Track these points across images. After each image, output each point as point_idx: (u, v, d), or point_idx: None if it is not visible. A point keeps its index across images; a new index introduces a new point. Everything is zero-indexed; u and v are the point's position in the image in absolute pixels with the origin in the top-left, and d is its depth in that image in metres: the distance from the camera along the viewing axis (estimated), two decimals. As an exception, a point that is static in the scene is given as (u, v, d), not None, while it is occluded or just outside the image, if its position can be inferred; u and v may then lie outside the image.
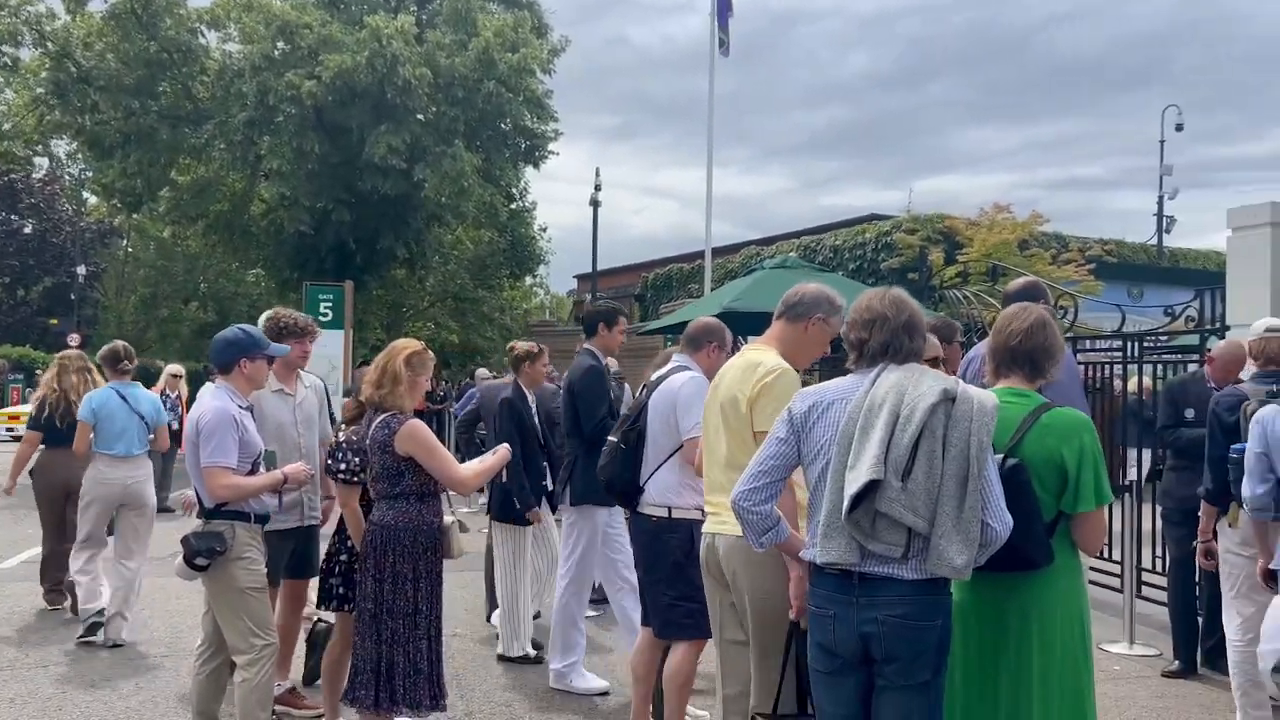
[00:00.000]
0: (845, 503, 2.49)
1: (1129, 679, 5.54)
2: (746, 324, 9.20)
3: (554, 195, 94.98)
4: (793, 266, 10.73)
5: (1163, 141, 23.61)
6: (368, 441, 3.85)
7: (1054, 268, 16.02)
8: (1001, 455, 2.70)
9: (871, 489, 2.47)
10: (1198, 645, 5.63)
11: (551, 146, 23.74)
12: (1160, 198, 23.08)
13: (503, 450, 4.12)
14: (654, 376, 4.26)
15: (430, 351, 4.05)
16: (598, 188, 25.52)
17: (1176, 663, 5.58)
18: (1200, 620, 5.63)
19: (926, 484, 2.46)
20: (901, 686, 2.55)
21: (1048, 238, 18.20)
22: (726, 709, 3.32)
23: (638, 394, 4.42)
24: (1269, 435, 4.10)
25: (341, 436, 4.09)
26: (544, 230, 31.26)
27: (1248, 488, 4.16)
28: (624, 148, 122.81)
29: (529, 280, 37.80)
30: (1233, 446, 4.55)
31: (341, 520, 4.22)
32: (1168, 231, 22.72)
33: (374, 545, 3.78)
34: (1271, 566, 4.15)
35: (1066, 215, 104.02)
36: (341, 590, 4.20)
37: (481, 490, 5.00)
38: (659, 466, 4.01)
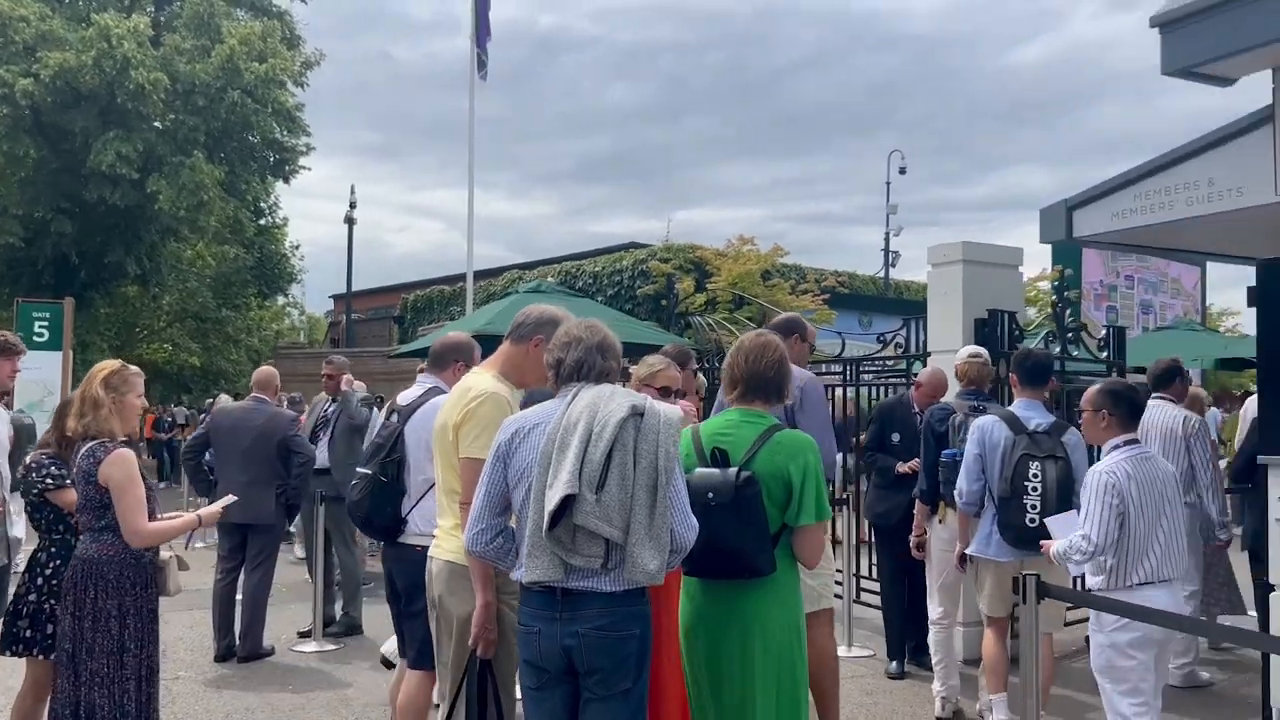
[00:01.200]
0: (545, 520, 2.58)
1: (846, 679, 5.96)
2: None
3: (310, 212, 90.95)
4: (547, 291, 10.86)
5: (888, 183, 25.81)
6: (75, 471, 3.62)
7: (793, 297, 17.13)
8: (736, 469, 2.92)
9: (568, 504, 2.57)
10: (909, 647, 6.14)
11: (304, 161, 22.90)
12: (887, 234, 25.18)
13: (189, 517, 3.77)
14: (404, 402, 4.16)
15: (132, 368, 3.79)
16: (352, 205, 24.76)
17: (894, 663, 6.06)
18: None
19: (620, 495, 2.59)
20: (604, 696, 2.67)
21: (788, 269, 19.42)
22: None
23: (386, 420, 4.28)
24: (986, 440, 4.69)
25: (29, 458, 3.86)
26: (296, 248, 29.88)
27: (963, 483, 4.75)
28: (387, 166, 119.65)
29: (281, 300, 36.01)
30: (943, 452, 5.14)
31: (32, 557, 3.89)
32: (893, 265, 24.78)
33: (74, 581, 3.54)
34: (966, 552, 4.83)
35: (810, 248, 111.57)
36: (28, 633, 3.85)
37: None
38: (424, 495, 3.84)
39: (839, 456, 6.16)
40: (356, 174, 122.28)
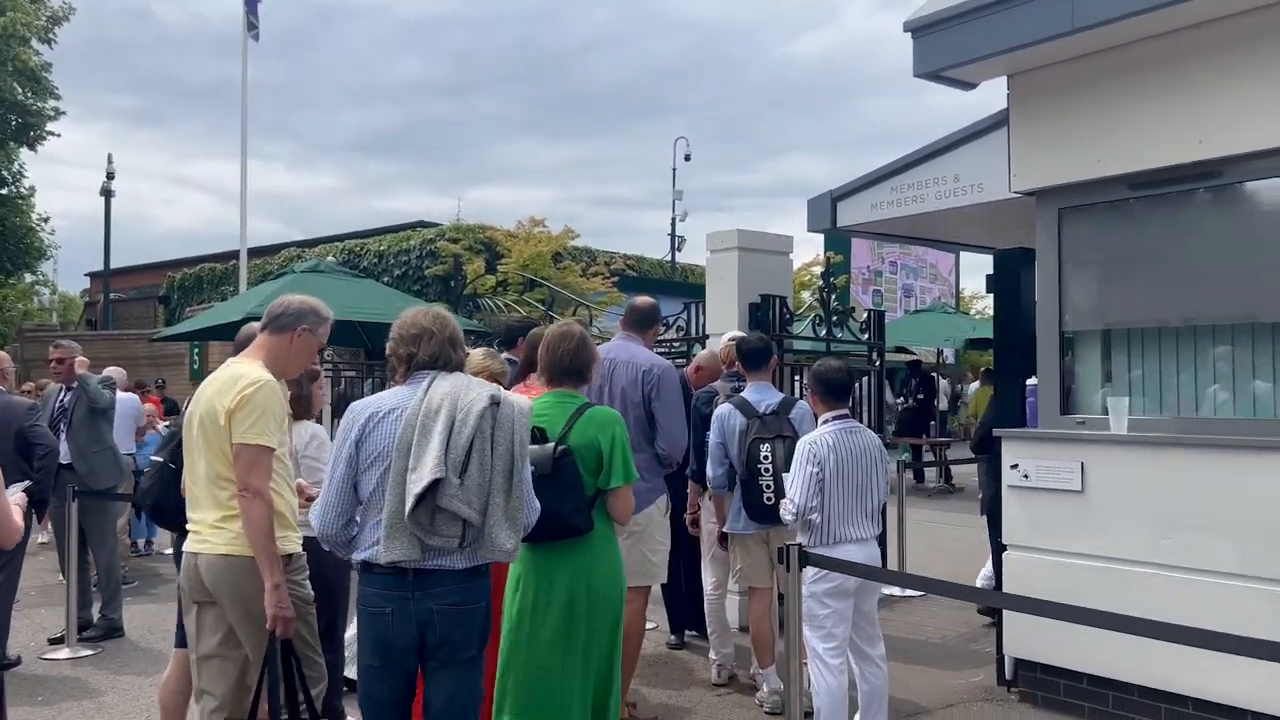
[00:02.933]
0: (409, 502, 2.72)
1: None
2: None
3: (63, 181, 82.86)
4: (326, 271, 10.42)
5: (674, 169, 26.47)
6: None
7: (584, 280, 17.30)
8: (553, 444, 3.36)
9: (434, 487, 2.72)
10: (687, 618, 6.37)
11: (53, 126, 20.92)
12: (673, 219, 25.83)
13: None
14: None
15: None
16: (110, 175, 22.84)
17: (673, 635, 6.26)
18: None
19: (479, 479, 2.78)
20: (451, 664, 2.88)
21: (579, 251, 19.57)
22: None
23: (184, 407, 4.05)
24: (725, 427, 5.00)
25: None
26: (46, 221, 27.21)
27: (710, 469, 5.08)
28: (150, 133, 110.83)
29: (29, 278, 32.78)
30: (707, 434, 5.37)
31: None
32: (679, 250, 25.45)
33: None
34: (724, 530, 5.14)
35: (601, 231, 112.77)
36: None
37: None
38: None
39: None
40: (116, 142, 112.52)
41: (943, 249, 15.26)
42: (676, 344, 7.81)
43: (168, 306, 25.08)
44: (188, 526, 3.29)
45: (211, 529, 3.22)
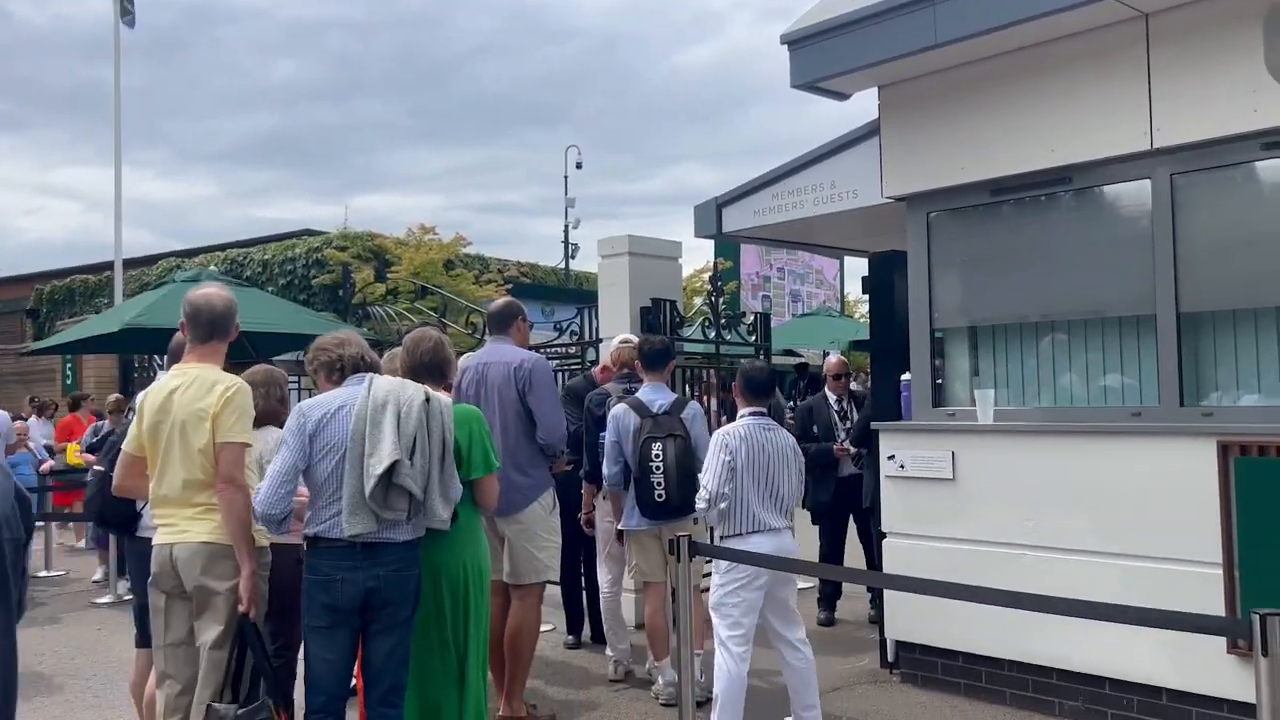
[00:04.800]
0: (369, 483, 3.24)
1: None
2: (151, 341, 8.48)
3: (-85, 190, 77.90)
4: (209, 280, 10.14)
5: (566, 176, 26.54)
6: None
7: (476, 287, 17.17)
8: None
9: (393, 468, 3.24)
10: (584, 619, 6.45)
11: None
12: (566, 226, 25.89)
13: None
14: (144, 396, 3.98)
15: None
16: (-28, 184, 21.62)
17: (570, 635, 6.34)
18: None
19: (422, 461, 3.35)
20: (391, 625, 3.39)
21: (471, 259, 19.42)
22: (169, 708, 3.41)
23: (129, 419, 4.07)
24: (619, 427, 5.12)
25: None
26: (-103, 231, 25.59)
27: (606, 467, 5.18)
28: (11, 140, 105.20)
29: (-123, 291, 30.65)
30: (602, 435, 5.46)
31: None
32: (573, 257, 25.53)
33: None
34: (619, 527, 5.26)
35: (494, 238, 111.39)
36: None
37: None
38: None
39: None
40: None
41: (824, 254, 15.70)
42: (571, 349, 7.90)
43: (36, 320, 23.87)
44: (158, 522, 3.47)
45: (190, 520, 3.41)
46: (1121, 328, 4.76)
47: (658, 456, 4.87)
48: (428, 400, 3.43)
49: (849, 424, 6.79)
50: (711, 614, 4.37)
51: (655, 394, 5.13)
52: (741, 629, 4.25)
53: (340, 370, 3.60)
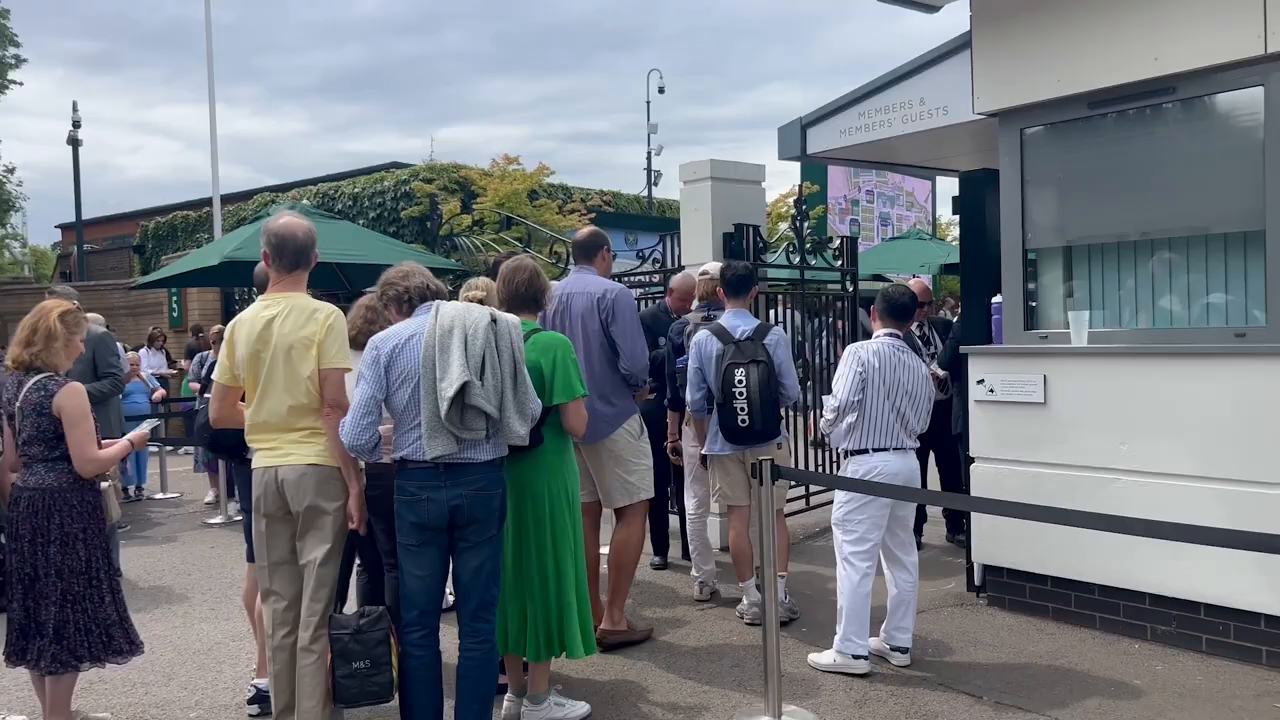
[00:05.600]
0: (444, 405, 3.32)
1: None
2: (249, 273, 8.74)
3: (24, 132, 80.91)
4: (302, 214, 10.41)
5: (648, 102, 26.32)
6: (18, 404, 3.86)
7: (560, 217, 17.26)
8: None
9: (463, 389, 3.33)
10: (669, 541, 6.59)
11: (14, 75, 20.49)
12: (648, 153, 25.70)
13: (123, 443, 4.15)
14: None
15: (85, 312, 4.10)
16: (76, 124, 22.47)
17: (657, 557, 6.48)
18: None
19: (494, 381, 3.41)
20: (477, 542, 3.50)
21: (554, 188, 19.48)
22: (276, 621, 3.60)
23: (222, 347, 4.34)
24: (702, 353, 5.15)
25: None
26: (11, 172, 26.82)
27: (688, 394, 5.24)
28: (109, 79, 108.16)
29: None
30: (678, 360, 5.54)
31: None
32: (656, 184, 25.39)
33: (34, 508, 3.83)
34: (703, 452, 5.34)
35: (577, 167, 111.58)
36: None
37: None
38: None
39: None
40: (75, 89, 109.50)
41: (914, 174, 15.28)
42: (653, 276, 7.91)
43: (142, 255, 24.88)
44: (258, 447, 3.59)
45: (295, 444, 3.53)
46: (1227, 245, 4.56)
47: (740, 382, 4.90)
48: (494, 321, 3.48)
49: (932, 350, 6.70)
50: (835, 530, 4.51)
51: (738, 320, 5.14)
52: (866, 544, 4.42)
53: (408, 301, 3.67)
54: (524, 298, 4.06)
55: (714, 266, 5.94)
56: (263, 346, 3.53)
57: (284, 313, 3.54)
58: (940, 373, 6.50)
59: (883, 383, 4.39)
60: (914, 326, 6.81)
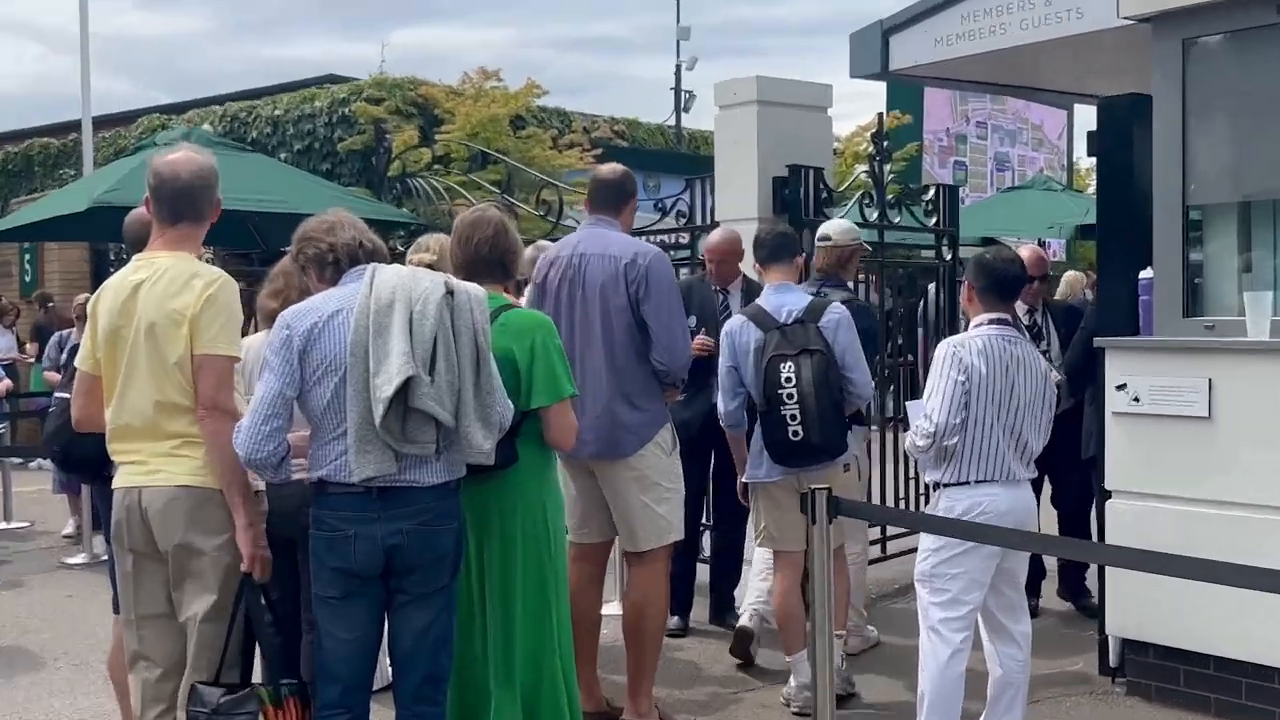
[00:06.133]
0: (379, 408, 3.29)
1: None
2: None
3: None
4: (202, 143, 10.46)
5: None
6: None
7: (554, 153, 17.25)
8: None
9: (405, 388, 3.29)
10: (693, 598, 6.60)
11: None
12: (678, 67, 25.64)
13: None
14: None
15: None
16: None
17: (676, 619, 6.47)
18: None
19: (448, 375, 3.37)
20: (422, 596, 3.50)
21: (548, 114, 19.51)
22: (148, 697, 3.59)
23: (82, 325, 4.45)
24: (736, 346, 5.14)
25: None
26: None
27: (721, 402, 5.25)
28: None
29: None
30: None
31: None
32: (686, 109, 25.31)
33: None
34: (744, 480, 5.33)
35: (580, 85, 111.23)
36: None
37: None
38: None
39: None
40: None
41: (1042, 101, 15.13)
42: (680, 236, 7.91)
43: (-15, 198, 25.09)
44: (120, 460, 3.59)
45: (165, 458, 3.52)
46: None
47: (788, 381, 4.90)
48: (450, 293, 3.45)
49: (1045, 345, 6.62)
50: (919, 588, 4.50)
51: (783, 297, 5.15)
52: (962, 609, 4.38)
53: (333, 263, 3.63)
54: (486, 261, 4.07)
55: (829, 231, 6.00)
56: (125, 322, 3.53)
57: (155, 277, 3.54)
58: (1056, 376, 6.46)
59: (992, 393, 4.34)
60: (1022, 310, 6.74)
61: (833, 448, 4.96)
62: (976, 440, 4.35)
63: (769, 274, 5.28)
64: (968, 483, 4.37)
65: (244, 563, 3.54)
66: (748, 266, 6.01)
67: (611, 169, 5.26)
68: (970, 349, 4.37)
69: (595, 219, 5.08)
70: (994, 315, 4.49)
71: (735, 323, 5.20)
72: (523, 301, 4.87)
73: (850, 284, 6.17)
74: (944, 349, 4.45)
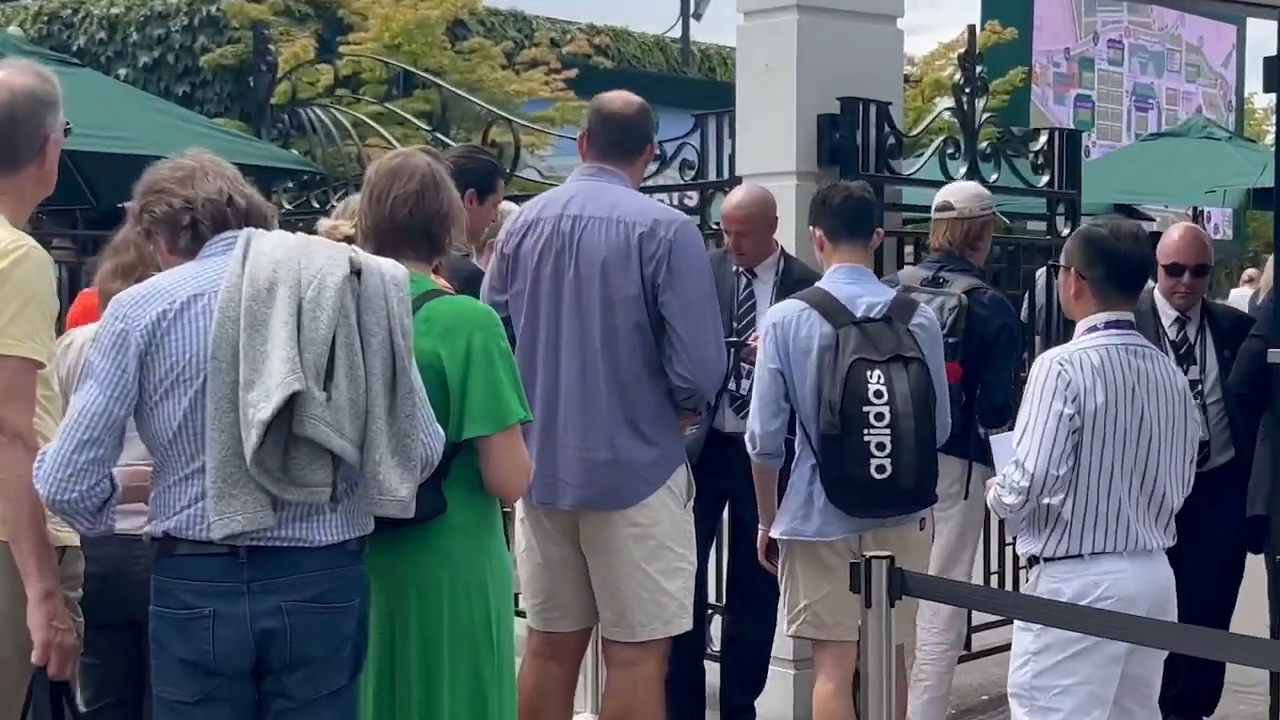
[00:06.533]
0: (252, 436, 3.19)
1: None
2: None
3: None
4: (9, 53, 10.47)
5: None
6: None
7: (508, 74, 17.31)
8: None
9: (292, 407, 3.20)
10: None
11: None
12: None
13: None
14: None
15: None
16: None
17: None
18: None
19: (351, 391, 3.30)
20: (309, 702, 3.45)
21: (500, 19, 19.59)
22: None
23: None
24: (791, 342, 5.12)
25: None
26: None
27: (756, 420, 5.21)
28: None
29: None
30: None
31: None
32: (697, 17, 25.35)
33: None
34: (774, 534, 5.34)
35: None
36: None
37: None
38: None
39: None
40: None
41: (1198, 9, 14.94)
42: (686, 196, 7.92)
43: None
44: None
45: None
46: None
47: (878, 397, 4.91)
48: (357, 273, 3.40)
49: (1197, 361, 6.54)
50: (1014, 705, 4.50)
51: (858, 284, 5.19)
52: None
53: (191, 228, 3.55)
54: (405, 229, 4.02)
55: (948, 199, 6.09)
56: None
57: None
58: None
59: (1113, 429, 4.33)
60: (1165, 310, 6.69)
61: (926, 494, 5.04)
62: (1091, 496, 4.34)
63: (836, 252, 5.29)
64: (1079, 556, 4.36)
65: (34, 651, 3.47)
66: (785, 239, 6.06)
67: (624, 100, 5.22)
68: (1081, 367, 4.34)
69: (594, 168, 5.06)
70: (1112, 315, 4.46)
71: (789, 310, 5.17)
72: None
73: (979, 267, 6.26)
74: (1043, 367, 4.43)
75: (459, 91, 15.01)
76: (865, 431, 4.91)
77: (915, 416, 4.90)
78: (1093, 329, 4.45)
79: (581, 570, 4.91)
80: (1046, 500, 4.33)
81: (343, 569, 3.46)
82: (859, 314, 5.07)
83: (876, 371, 4.92)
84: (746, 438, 5.28)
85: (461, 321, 3.92)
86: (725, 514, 6.42)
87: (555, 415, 4.81)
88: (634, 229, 4.78)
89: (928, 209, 7.62)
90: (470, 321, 3.95)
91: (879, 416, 4.90)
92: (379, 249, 3.88)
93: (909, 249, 7.88)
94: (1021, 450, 4.33)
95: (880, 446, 4.90)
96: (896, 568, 3.91)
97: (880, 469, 4.90)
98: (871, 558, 3.93)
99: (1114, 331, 4.43)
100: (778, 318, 5.20)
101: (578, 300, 4.78)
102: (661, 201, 7.94)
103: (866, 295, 5.14)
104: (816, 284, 5.28)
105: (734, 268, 6.32)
